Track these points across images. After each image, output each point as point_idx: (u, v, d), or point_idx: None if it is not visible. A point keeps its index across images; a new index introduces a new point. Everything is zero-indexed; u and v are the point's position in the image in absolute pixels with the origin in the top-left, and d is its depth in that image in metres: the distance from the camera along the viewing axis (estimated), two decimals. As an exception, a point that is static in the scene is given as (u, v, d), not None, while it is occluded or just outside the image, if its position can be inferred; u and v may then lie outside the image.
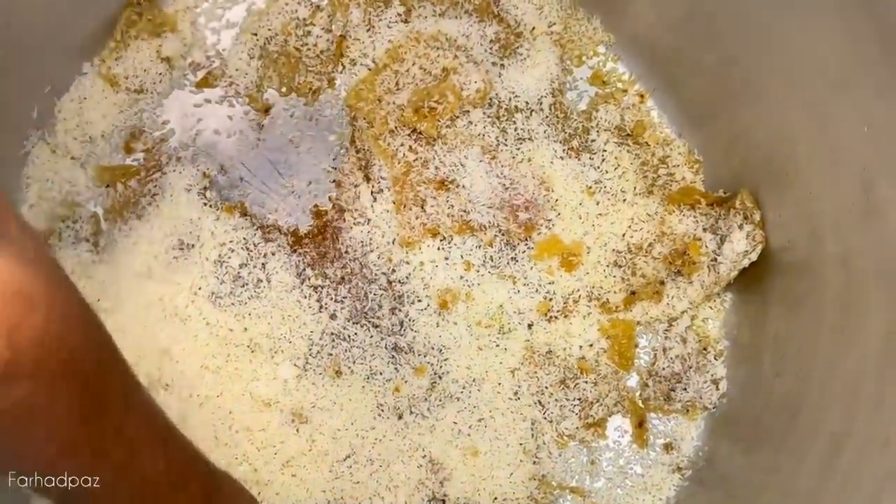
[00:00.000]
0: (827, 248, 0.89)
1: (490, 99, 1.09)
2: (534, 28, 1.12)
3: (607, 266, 1.06)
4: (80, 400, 0.54)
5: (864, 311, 0.82)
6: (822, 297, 0.90)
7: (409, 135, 1.07)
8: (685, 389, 1.06)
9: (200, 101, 1.10)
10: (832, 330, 0.87)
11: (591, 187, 1.08)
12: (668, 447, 1.06)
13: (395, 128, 1.07)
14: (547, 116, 1.10)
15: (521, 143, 1.09)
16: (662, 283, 1.05)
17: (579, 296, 1.05)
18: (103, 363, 0.58)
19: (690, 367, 1.07)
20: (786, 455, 0.89)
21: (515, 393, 1.03)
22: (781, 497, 0.88)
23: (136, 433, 0.59)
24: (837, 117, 0.84)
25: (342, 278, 1.05)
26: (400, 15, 1.11)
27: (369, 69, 1.10)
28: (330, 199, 1.08)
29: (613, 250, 1.06)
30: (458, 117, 1.08)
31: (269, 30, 1.10)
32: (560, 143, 1.10)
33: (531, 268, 1.06)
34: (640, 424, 1.06)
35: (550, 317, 1.05)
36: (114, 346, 0.60)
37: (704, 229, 1.06)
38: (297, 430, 0.99)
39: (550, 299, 1.05)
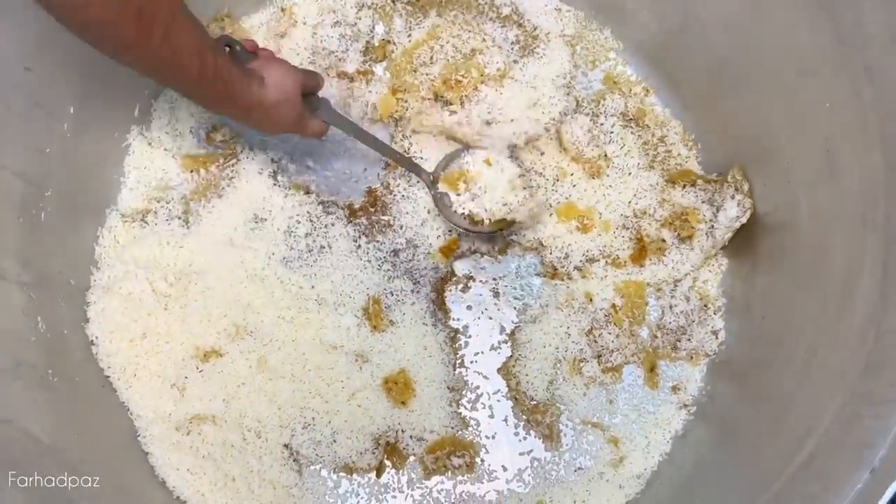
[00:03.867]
0: (801, 208, 1.06)
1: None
2: (549, 32, 1.32)
3: (616, 228, 1.25)
4: (137, 15, 0.80)
5: (829, 258, 0.99)
6: (797, 251, 1.08)
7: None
8: (689, 340, 1.24)
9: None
10: (804, 275, 1.04)
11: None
12: (675, 389, 1.23)
13: (426, 97, 1.27)
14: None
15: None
16: (664, 240, 1.24)
17: (593, 255, 1.24)
18: None
19: (693, 321, 1.24)
20: (770, 378, 1.06)
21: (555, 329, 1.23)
22: (768, 423, 1.04)
23: (179, 42, 0.87)
24: (804, 98, 1.02)
25: (392, 243, 1.25)
26: (438, 26, 1.31)
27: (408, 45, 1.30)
28: (378, 175, 1.28)
29: (621, 215, 1.26)
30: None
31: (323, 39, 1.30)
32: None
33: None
34: (652, 370, 1.24)
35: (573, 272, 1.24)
36: None
37: (703, 202, 1.24)
38: (361, 368, 1.19)
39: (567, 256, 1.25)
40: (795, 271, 1.07)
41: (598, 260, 1.25)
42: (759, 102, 1.13)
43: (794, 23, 1.00)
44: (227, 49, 1.03)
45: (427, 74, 1.29)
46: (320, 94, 1.17)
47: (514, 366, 1.22)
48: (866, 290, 0.88)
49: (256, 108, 1.01)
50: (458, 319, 1.25)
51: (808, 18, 0.97)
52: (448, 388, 1.21)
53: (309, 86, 1.11)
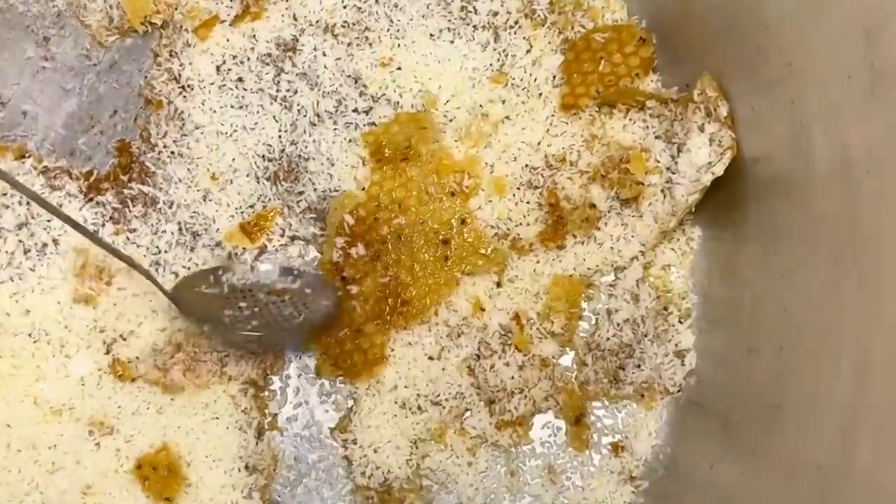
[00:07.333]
0: (817, 152, 0.59)
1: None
2: None
3: (518, 188, 0.81)
4: None
5: (869, 247, 0.52)
6: (812, 230, 0.62)
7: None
8: (639, 366, 0.81)
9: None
10: (826, 278, 0.57)
11: (491, 78, 0.81)
12: (616, 448, 0.82)
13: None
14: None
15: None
16: (593, 205, 0.79)
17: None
18: None
19: (645, 336, 0.82)
20: (764, 463, 0.61)
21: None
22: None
23: None
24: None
25: (157, 231, 0.82)
26: None
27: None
28: (136, 121, 0.85)
29: (526, 166, 0.81)
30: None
31: None
32: (446, 18, 0.82)
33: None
34: (578, 420, 0.82)
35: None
36: None
37: (656, 137, 0.78)
38: (99, 445, 0.82)
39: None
40: (812, 273, 0.59)
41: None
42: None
43: None
44: None
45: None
46: None
47: (354, 425, 0.79)
48: None
49: None
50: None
51: None
52: (246, 469, 0.82)
53: None
